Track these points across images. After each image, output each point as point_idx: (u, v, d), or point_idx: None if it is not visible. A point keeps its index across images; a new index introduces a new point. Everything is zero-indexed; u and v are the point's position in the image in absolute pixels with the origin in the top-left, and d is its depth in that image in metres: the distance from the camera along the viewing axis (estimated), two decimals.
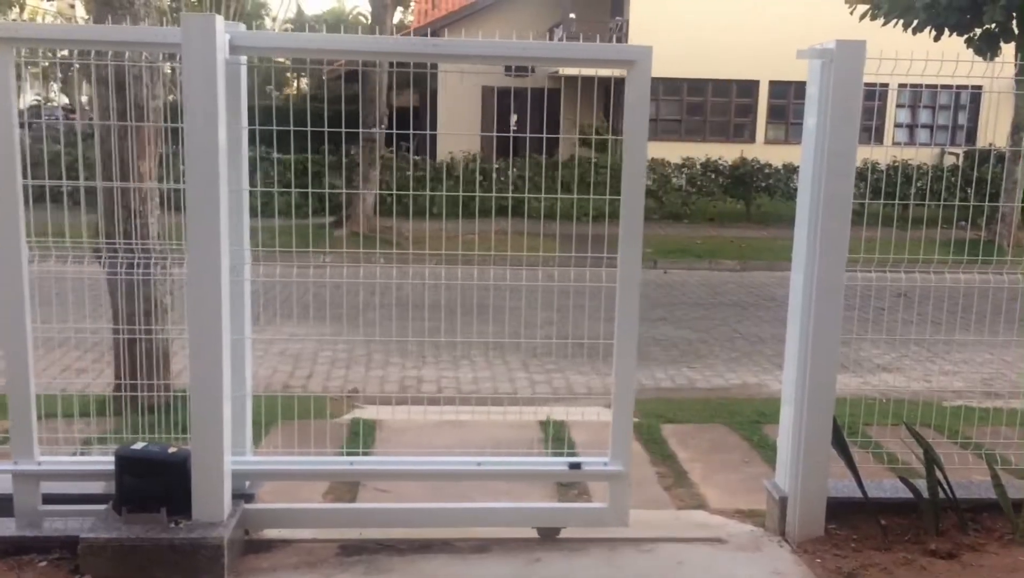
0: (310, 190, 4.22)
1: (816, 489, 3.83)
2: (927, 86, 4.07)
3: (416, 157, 17.79)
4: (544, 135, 4.07)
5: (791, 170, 19.53)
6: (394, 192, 3.99)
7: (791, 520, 3.87)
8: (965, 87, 4.39)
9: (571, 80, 23.22)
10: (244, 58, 3.58)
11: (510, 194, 4.23)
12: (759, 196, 20.15)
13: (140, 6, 5.45)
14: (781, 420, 4.01)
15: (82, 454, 4.25)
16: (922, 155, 19.65)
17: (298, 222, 4.01)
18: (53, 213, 3.97)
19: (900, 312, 4.46)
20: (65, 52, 4.63)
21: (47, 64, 5.04)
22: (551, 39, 22.37)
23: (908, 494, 3.89)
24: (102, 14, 5.31)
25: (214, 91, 3.30)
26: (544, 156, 4.15)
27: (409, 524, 3.84)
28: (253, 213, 3.82)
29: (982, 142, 20.09)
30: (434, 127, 18.36)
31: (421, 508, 3.94)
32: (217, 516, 3.48)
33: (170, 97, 5.87)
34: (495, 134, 18.85)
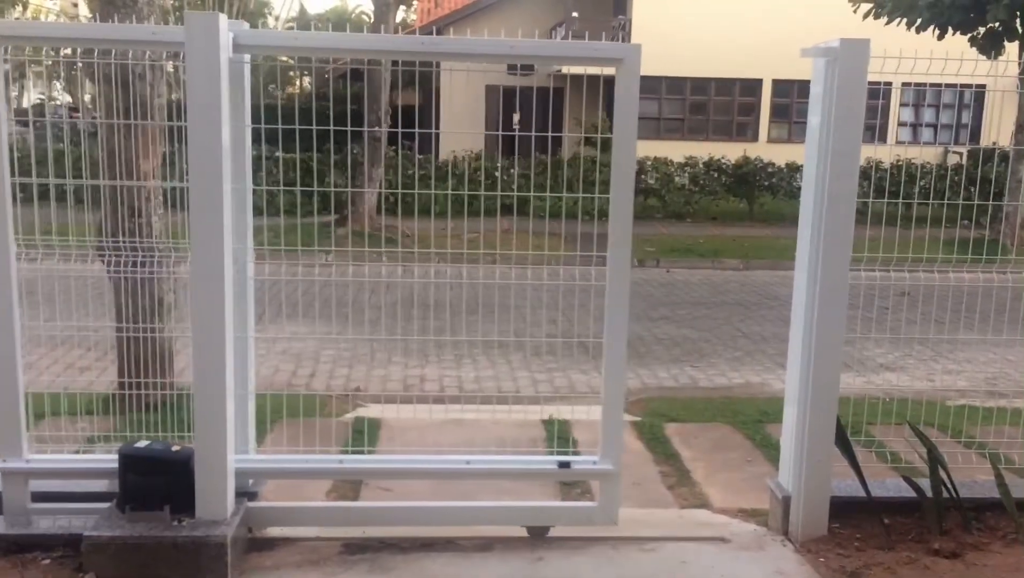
0: (316, 189, 4.23)
1: (819, 488, 3.83)
2: (931, 85, 4.06)
3: (419, 156, 17.81)
4: (549, 134, 4.08)
5: (794, 169, 19.51)
6: (399, 191, 3.99)
7: (794, 519, 3.86)
8: (969, 86, 4.39)
9: (574, 79, 23.20)
10: (247, 57, 3.58)
11: (501, 193, 4.21)
12: (762, 195, 20.14)
13: (143, 4, 5.46)
14: (784, 419, 4.00)
15: (85, 452, 4.25)
16: (926, 154, 19.61)
17: (301, 221, 4.01)
18: (57, 212, 3.97)
19: (904, 311, 4.45)
20: (69, 51, 4.64)
21: (51, 63, 5.04)
22: (553, 38, 22.36)
23: (911, 493, 3.89)
24: (105, 13, 5.31)
25: (217, 90, 3.30)
26: (549, 155, 4.14)
27: (404, 522, 3.85)
28: (257, 212, 3.82)
29: (986, 141, 20.06)
30: (437, 126, 18.35)
31: (413, 506, 3.95)
32: (220, 514, 3.49)
33: (173, 95, 5.87)
34: (501, 133, 18.82)
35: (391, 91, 15.61)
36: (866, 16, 16.11)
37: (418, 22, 35.83)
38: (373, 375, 7.31)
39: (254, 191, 3.77)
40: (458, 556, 3.69)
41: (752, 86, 23.30)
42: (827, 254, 3.68)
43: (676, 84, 23.28)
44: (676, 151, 20.33)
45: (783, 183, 19.96)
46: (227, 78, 3.35)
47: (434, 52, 3.70)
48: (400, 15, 32.28)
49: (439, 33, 21.91)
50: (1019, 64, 12.02)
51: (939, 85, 4.02)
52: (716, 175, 20.02)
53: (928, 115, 23.19)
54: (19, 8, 27.57)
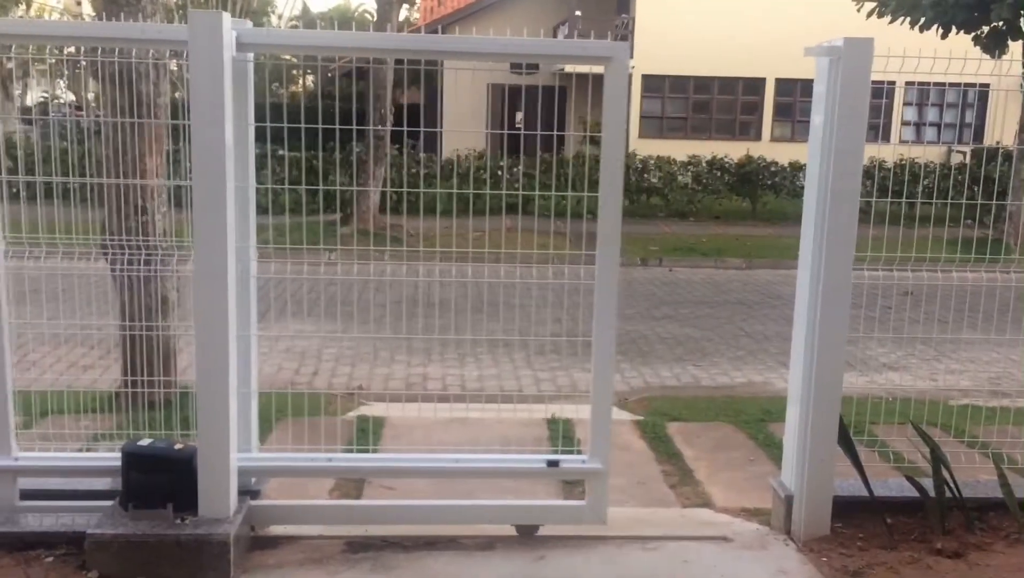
0: (321, 187, 4.23)
1: (822, 488, 3.83)
2: (934, 84, 4.05)
3: (422, 154, 17.81)
4: (554, 132, 4.06)
5: (797, 168, 19.49)
6: (404, 190, 3.98)
7: (797, 519, 3.86)
8: (972, 85, 4.38)
9: (578, 77, 23.23)
10: (251, 55, 3.58)
11: (504, 192, 4.20)
12: (765, 194, 20.12)
13: (147, 3, 5.46)
14: (787, 419, 4.00)
15: (89, 450, 4.26)
16: (929, 153, 19.56)
17: (305, 219, 4.01)
18: (61, 210, 3.98)
19: (907, 311, 4.45)
20: (72, 49, 4.64)
21: (54, 61, 5.04)
22: (556, 36, 22.35)
23: (914, 493, 3.88)
24: (109, 11, 5.32)
25: (221, 88, 3.30)
26: (554, 153, 4.14)
27: (404, 521, 3.86)
28: (261, 210, 3.82)
29: (989, 140, 20.05)
30: (439, 124, 18.36)
31: (408, 505, 3.97)
32: (223, 512, 3.49)
33: (176, 94, 5.87)
34: (506, 132, 18.83)
35: (394, 90, 15.61)
36: (870, 15, 16.08)
37: (421, 20, 35.86)
38: (376, 374, 7.32)
39: (257, 189, 3.77)
40: (460, 555, 3.69)
41: (755, 85, 23.28)
42: (830, 253, 3.67)
43: (679, 83, 23.26)
44: (679, 150, 20.31)
45: (786, 182, 19.93)
46: (230, 77, 3.35)
47: (423, 50, 3.70)
48: (403, 14, 32.29)
49: (443, 31, 21.90)
50: (1023, 63, 12.00)
51: (943, 84, 4.02)
52: (719, 174, 20.00)
53: (932, 114, 23.17)
54: (22, 6, 27.59)
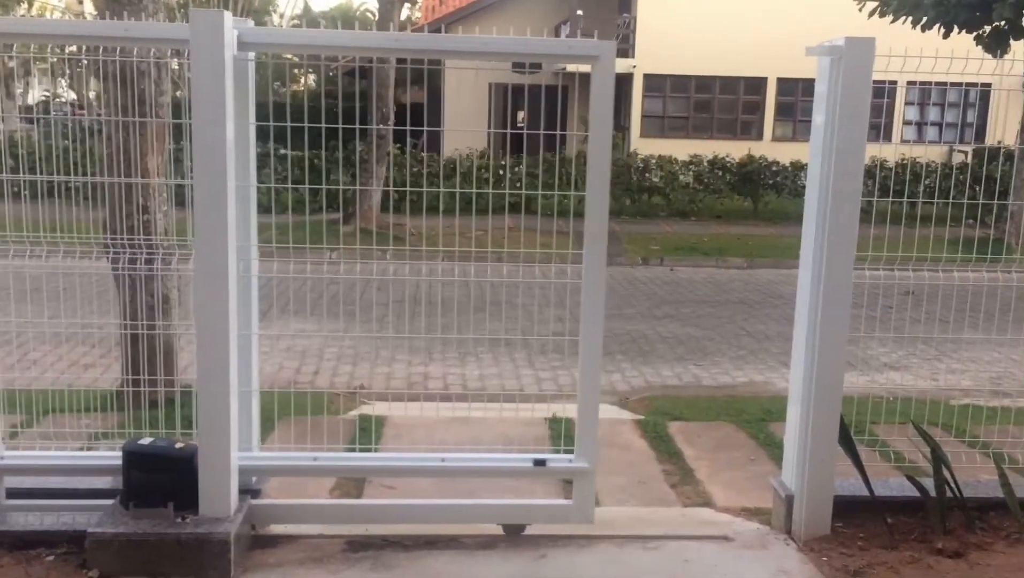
0: (324, 187, 4.23)
1: (823, 487, 3.83)
2: (936, 83, 4.05)
3: (424, 153, 17.81)
4: (557, 132, 4.06)
5: (799, 168, 19.48)
6: (408, 189, 3.99)
7: (797, 518, 3.86)
8: (974, 85, 4.37)
9: (580, 77, 23.16)
10: (252, 54, 3.58)
11: (500, 191, 4.21)
12: (766, 194, 20.11)
13: (149, 2, 5.46)
14: (788, 418, 4.00)
15: (89, 449, 4.26)
16: (930, 153, 19.54)
17: (303, 218, 4.01)
18: (62, 209, 3.98)
19: (908, 310, 4.45)
20: (73, 48, 4.64)
21: (56, 60, 5.04)
22: (558, 35, 22.34)
23: (915, 493, 3.88)
24: (111, 10, 5.32)
25: (222, 87, 3.30)
26: (557, 152, 4.14)
27: (400, 520, 3.87)
28: (262, 209, 3.82)
29: (991, 140, 20.03)
30: (440, 124, 18.38)
31: (402, 504, 3.99)
32: (224, 511, 3.49)
33: (177, 93, 5.88)
34: (509, 131, 18.85)
35: (396, 89, 15.61)
36: (871, 14, 16.07)
37: (423, 20, 35.87)
38: (377, 373, 7.32)
39: (259, 189, 3.77)
40: (461, 554, 3.69)
41: (757, 84, 23.27)
42: (831, 253, 3.67)
43: (680, 82, 23.25)
44: (680, 149, 20.31)
45: (787, 182, 19.93)
46: (232, 76, 3.35)
47: (410, 49, 3.69)
48: (405, 13, 32.27)
49: (446, 30, 21.91)
50: None
51: (944, 84, 4.01)
52: (720, 173, 19.99)
53: (933, 114, 23.16)
54: (24, 5, 27.61)
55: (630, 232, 17.00)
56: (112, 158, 5.06)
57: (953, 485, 3.89)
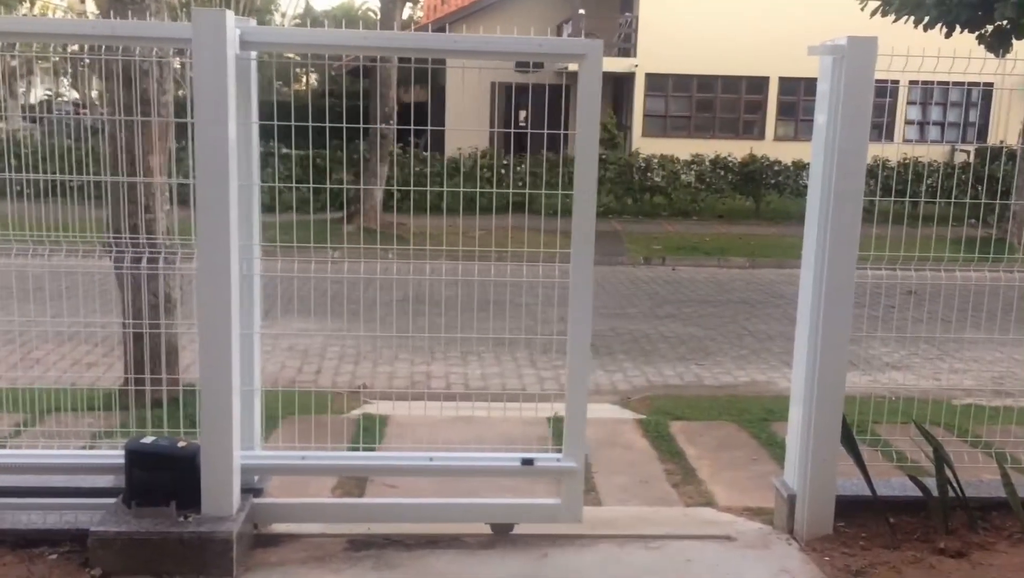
0: (327, 185, 4.23)
1: (825, 487, 3.83)
2: (938, 83, 4.04)
3: (426, 153, 17.80)
4: (561, 131, 4.05)
5: (800, 167, 19.46)
6: (411, 188, 3.98)
7: (800, 518, 3.86)
8: (976, 84, 4.37)
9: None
10: (254, 53, 3.58)
11: (502, 190, 4.21)
12: (768, 193, 20.09)
13: (151, 1, 5.47)
14: (790, 418, 4.00)
15: (91, 448, 4.27)
16: (933, 152, 19.57)
17: (307, 217, 4.02)
18: (65, 208, 3.98)
19: (910, 310, 4.44)
20: (76, 47, 4.64)
21: (58, 59, 5.05)
22: (560, 35, 22.35)
23: (917, 492, 3.88)
24: (114, 9, 5.32)
25: (224, 86, 3.30)
26: (561, 152, 4.13)
27: (398, 519, 3.88)
28: (265, 208, 3.82)
29: (993, 139, 20.00)
30: (441, 123, 18.36)
31: (398, 503, 4.01)
32: (226, 510, 3.49)
33: (179, 92, 5.88)
34: (513, 130, 18.85)
35: (398, 88, 15.62)
36: (873, 14, 16.05)
37: (425, 19, 35.87)
38: (379, 372, 7.33)
39: (262, 188, 3.77)
40: (463, 553, 3.69)
41: (759, 84, 23.26)
42: (834, 252, 3.67)
43: (682, 82, 23.24)
44: (682, 149, 20.30)
45: (789, 181, 19.92)
46: (234, 75, 3.35)
47: (396, 48, 3.69)
48: (406, 12, 32.26)
49: (443, 30, 21.89)
50: None
51: (946, 83, 4.01)
52: (722, 173, 19.98)
53: (935, 113, 23.16)
54: (26, 4, 27.62)
55: (632, 232, 17.00)
56: (115, 157, 5.06)
57: (955, 485, 3.88)
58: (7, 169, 3.85)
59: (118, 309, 5.21)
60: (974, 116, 22.90)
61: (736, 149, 20.44)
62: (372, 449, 4.84)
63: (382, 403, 6.12)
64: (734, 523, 4.10)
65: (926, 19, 15.31)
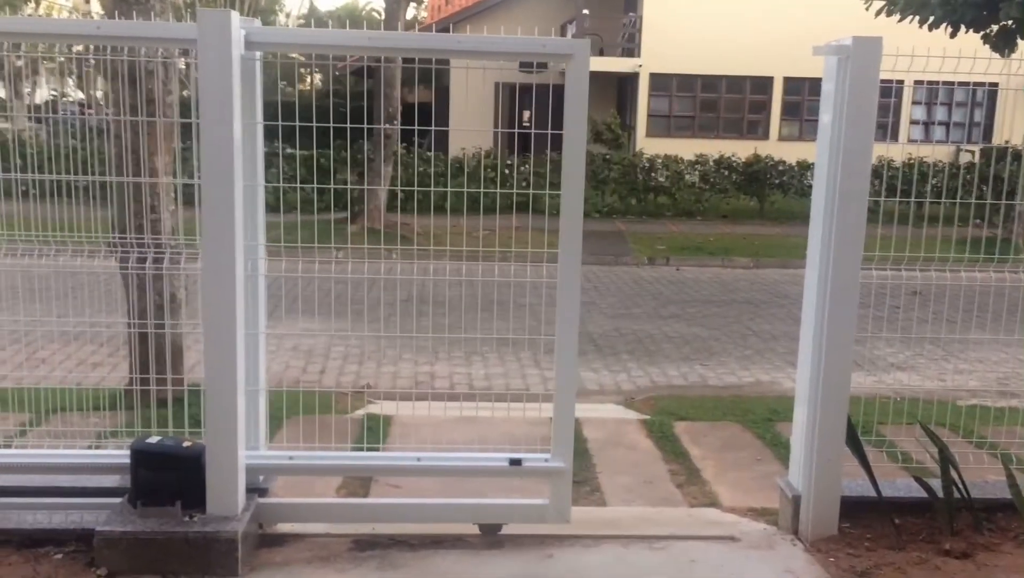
0: (332, 186, 4.23)
1: (830, 488, 3.82)
2: (943, 83, 4.03)
3: (430, 153, 17.81)
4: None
5: (805, 167, 19.44)
6: (416, 188, 3.97)
7: (804, 519, 3.86)
8: (981, 84, 4.37)
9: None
10: (259, 54, 3.59)
11: (507, 190, 4.20)
12: (773, 193, 20.08)
13: (156, 2, 5.48)
14: (795, 418, 3.99)
15: (97, 448, 4.27)
16: (938, 152, 19.52)
17: (311, 218, 4.02)
18: (70, 208, 3.99)
19: (915, 310, 4.44)
20: (81, 47, 4.65)
21: (63, 59, 5.06)
22: (564, 35, 22.34)
23: (922, 493, 3.87)
24: (119, 10, 5.33)
25: (229, 87, 3.31)
26: (571, 152, 4.12)
27: (398, 519, 3.90)
28: (269, 208, 3.82)
29: (998, 139, 19.94)
30: (445, 123, 18.37)
31: (380, 503, 4.06)
32: (231, 510, 3.50)
33: (184, 92, 5.88)
34: (517, 130, 18.84)
35: (402, 88, 15.63)
36: (878, 14, 16.02)
37: (429, 19, 35.88)
38: (383, 372, 7.33)
39: (267, 188, 3.77)
40: (468, 553, 3.70)
41: (763, 84, 23.24)
42: (838, 252, 3.67)
43: (687, 81, 23.23)
44: (686, 149, 20.29)
45: (794, 181, 19.90)
46: (239, 75, 3.36)
47: (389, 48, 3.69)
48: (411, 12, 32.31)
49: (447, 31, 21.90)
50: None
51: (951, 83, 4.01)
52: (727, 173, 19.97)
53: (940, 113, 23.11)
54: (32, 4, 27.69)
55: (636, 232, 17.00)
56: (120, 157, 5.07)
57: (960, 486, 3.88)
58: (13, 169, 3.86)
59: (123, 309, 5.22)
60: (979, 116, 22.87)
61: (740, 149, 20.43)
62: (376, 449, 4.84)
63: (386, 403, 6.13)
64: (738, 524, 4.09)
65: (931, 19, 15.27)
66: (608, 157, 19.51)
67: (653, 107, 23.17)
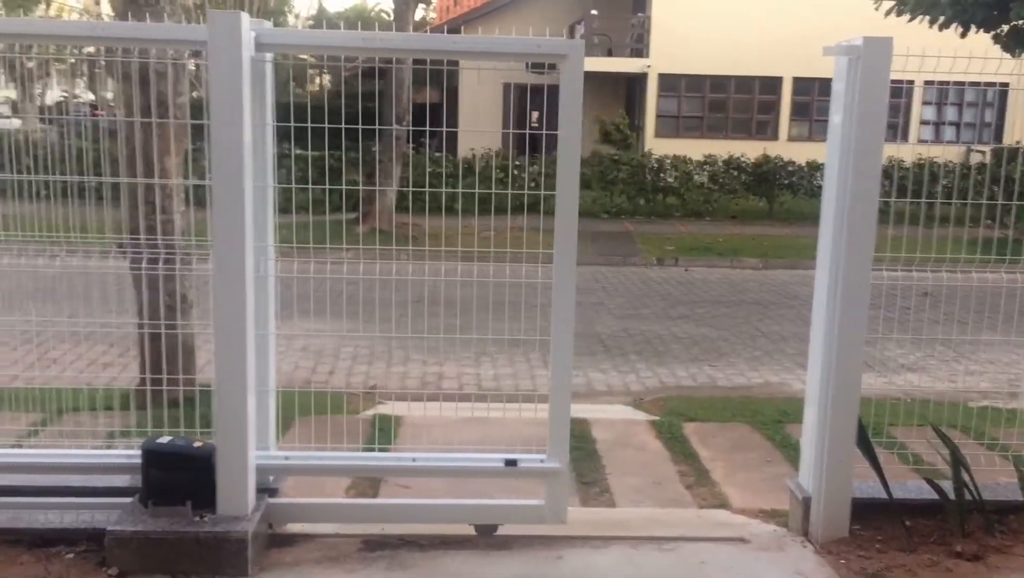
0: (344, 187, 4.23)
1: (840, 489, 3.81)
2: (953, 83, 4.02)
3: (438, 153, 17.83)
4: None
5: (814, 167, 19.38)
6: (427, 189, 3.99)
7: (815, 520, 3.84)
8: (992, 84, 4.35)
9: (592, 76, 23.08)
10: (269, 55, 3.60)
11: (517, 191, 4.21)
12: (782, 194, 20.01)
13: (166, 3, 5.50)
14: (805, 419, 3.98)
15: (108, 447, 4.29)
16: (948, 153, 19.45)
17: (320, 218, 4.02)
18: (79, 209, 4.01)
19: (926, 311, 4.42)
20: (91, 49, 4.67)
21: (73, 61, 5.08)
22: (572, 35, 22.34)
23: (933, 495, 3.86)
24: (129, 11, 5.35)
25: (240, 88, 3.32)
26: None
27: (405, 520, 3.91)
28: (280, 210, 3.83)
29: (1009, 139, 19.88)
30: (454, 124, 18.39)
31: (380, 504, 4.09)
32: (241, 510, 3.51)
33: (194, 93, 5.90)
34: (528, 132, 18.84)
35: (411, 89, 15.66)
36: (888, 13, 15.97)
37: (437, 20, 35.93)
38: (392, 372, 7.34)
39: (277, 188, 3.78)
40: (477, 554, 3.70)
41: (772, 84, 23.19)
42: (849, 253, 3.66)
43: (695, 82, 23.19)
44: (695, 149, 20.26)
45: (803, 182, 19.83)
46: (249, 77, 3.37)
47: (383, 48, 3.69)
48: (419, 13, 32.34)
49: (455, 31, 21.93)
50: None
51: (962, 83, 3.99)
52: (736, 173, 19.92)
53: (951, 113, 23.02)
54: (42, 6, 27.81)
55: (644, 232, 16.97)
56: (130, 159, 5.09)
57: (972, 488, 3.86)
58: (23, 170, 3.88)
59: (134, 310, 5.24)
60: (990, 116, 22.78)
61: (749, 149, 20.38)
62: (387, 450, 4.84)
63: (395, 404, 6.14)
64: (748, 525, 4.08)
65: (941, 19, 15.22)
66: (617, 158, 19.49)
67: (662, 107, 23.14)
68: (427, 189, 4.22)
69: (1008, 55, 14.23)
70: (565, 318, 3.65)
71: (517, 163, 17.80)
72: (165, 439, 3.67)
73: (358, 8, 39.81)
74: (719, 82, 23.23)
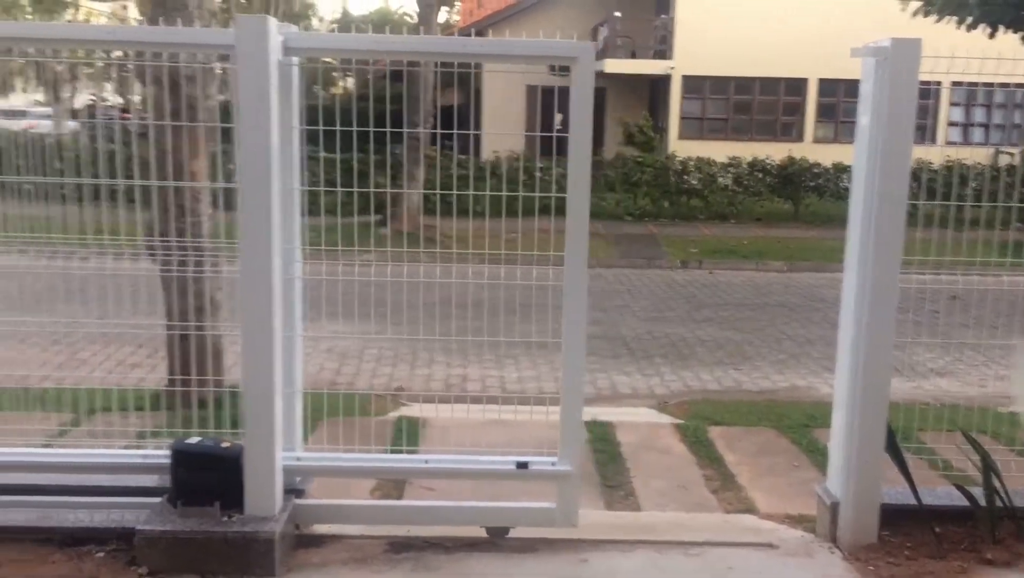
0: (371, 190, 4.27)
1: (869, 495, 3.77)
2: (982, 84, 3.98)
3: (462, 156, 17.87)
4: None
5: (841, 169, 19.21)
6: (455, 192, 4.01)
7: (843, 526, 3.81)
8: (1021, 85, 4.30)
9: (616, 78, 23.02)
10: (296, 59, 3.62)
11: (539, 193, 4.20)
12: (807, 196, 19.87)
13: (194, 8, 5.55)
14: (833, 424, 3.95)
15: (138, 448, 4.33)
16: (976, 155, 19.21)
17: (346, 221, 4.04)
18: (109, 211, 4.05)
19: (955, 315, 4.38)
20: (119, 53, 4.73)
21: (102, 64, 5.14)
22: (595, 37, 22.31)
23: (963, 502, 3.81)
24: (157, 16, 5.41)
25: (267, 92, 3.34)
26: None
27: (424, 522, 3.92)
28: (306, 211, 3.85)
29: None
30: (477, 126, 18.42)
31: (391, 506, 4.12)
32: (269, 511, 3.53)
33: (221, 97, 5.95)
34: (551, 134, 18.84)
35: (435, 91, 15.70)
36: (915, 14, 15.84)
37: (461, 23, 36.01)
38: (416, 374, 7.36)
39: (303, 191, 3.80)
40: (501, 556, 3.70)
41: (797, 85, 23.02)
42: (877, 256, 3.62)
43: (720, 84, 23.08)
44: (719, 151, 20.16)
45: (829, 184, 19.67)
46: (276, 81, 3.39)
47: (398, 51, 3.71)
48: (443, 16, 32.42)
49: (480, 34, 21.97)
50: None
51: (990, 84, 3.95)
52: (760, 176, 19.80)
53: (979, 115, 22.76)
54: (71, 11, 28.15)
55: (669, 235, 16.92)
56: (159, 161, 5.14)
57: (1003, 494, 3.81)
58: (54, 173, 3.92)
59: (163, 311, 5.28)
60: (1019, 117, 22.50)
61: (774, 151, 20.24)
62: (414, 452, 4.86)
63: (419, 406, 6.15)
64: (776, 530, 4.05)
65: (969, 19, 15.07)
66: (640, 160, 19.44)
67: (686, 109, 23.04)
68: (453, 192, 4.22)
69: None
70: (577, 320, 3.64)
71: (541, 165, 17.79)
72: (194, 440, 3.70)
73: (382, 11, 39.98)
74: (744, 84, 23.10)
